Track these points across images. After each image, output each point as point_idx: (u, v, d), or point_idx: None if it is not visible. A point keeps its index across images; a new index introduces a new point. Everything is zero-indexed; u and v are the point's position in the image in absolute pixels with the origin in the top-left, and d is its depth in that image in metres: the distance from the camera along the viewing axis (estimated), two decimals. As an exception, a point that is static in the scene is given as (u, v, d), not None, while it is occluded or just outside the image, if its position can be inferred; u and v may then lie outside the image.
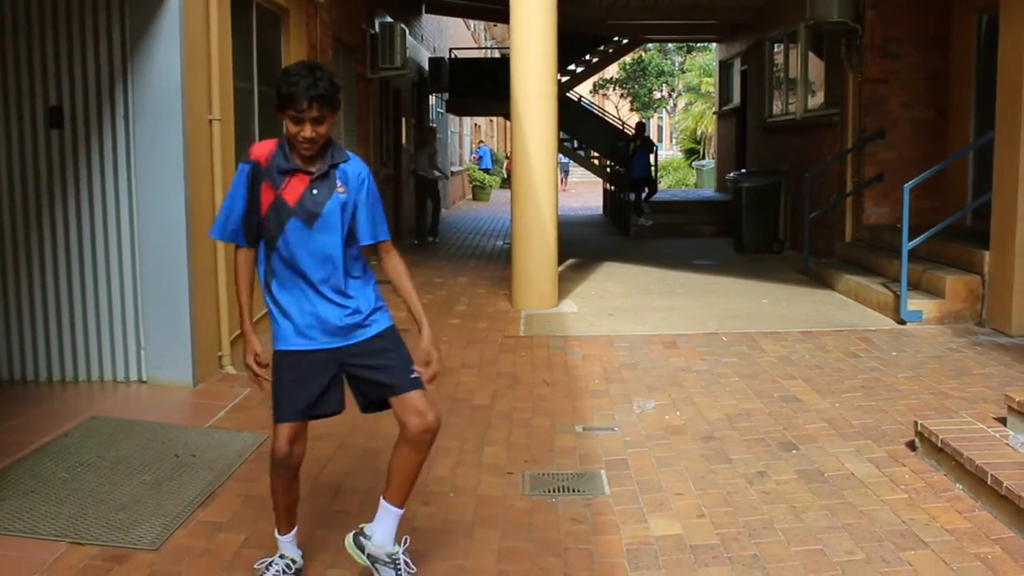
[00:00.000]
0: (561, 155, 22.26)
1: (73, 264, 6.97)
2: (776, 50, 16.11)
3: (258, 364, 3.85)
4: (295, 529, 4.05)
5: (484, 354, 8.16)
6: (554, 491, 5.05)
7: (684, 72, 42.40)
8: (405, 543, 4.00)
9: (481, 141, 40.16)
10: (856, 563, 4.12)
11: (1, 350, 7.03)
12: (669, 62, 42.87)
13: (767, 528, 4.52)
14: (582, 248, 15.74)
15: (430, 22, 23.37)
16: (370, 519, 4.62)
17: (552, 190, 10.27)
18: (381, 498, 3.97)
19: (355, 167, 3.81)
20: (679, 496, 4.95)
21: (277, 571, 3.96)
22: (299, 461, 3.92)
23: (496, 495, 5.00)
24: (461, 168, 33.41)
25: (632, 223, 18.34)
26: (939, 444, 5.12)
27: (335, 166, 3.75)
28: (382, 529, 3.96)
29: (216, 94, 7.26)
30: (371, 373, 3.86)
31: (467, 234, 19.74)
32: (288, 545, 4.02)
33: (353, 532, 4.02)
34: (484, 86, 22.22)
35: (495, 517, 4.72)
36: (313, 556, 4.21)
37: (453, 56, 24.28)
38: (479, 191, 33.93)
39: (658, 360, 7.84)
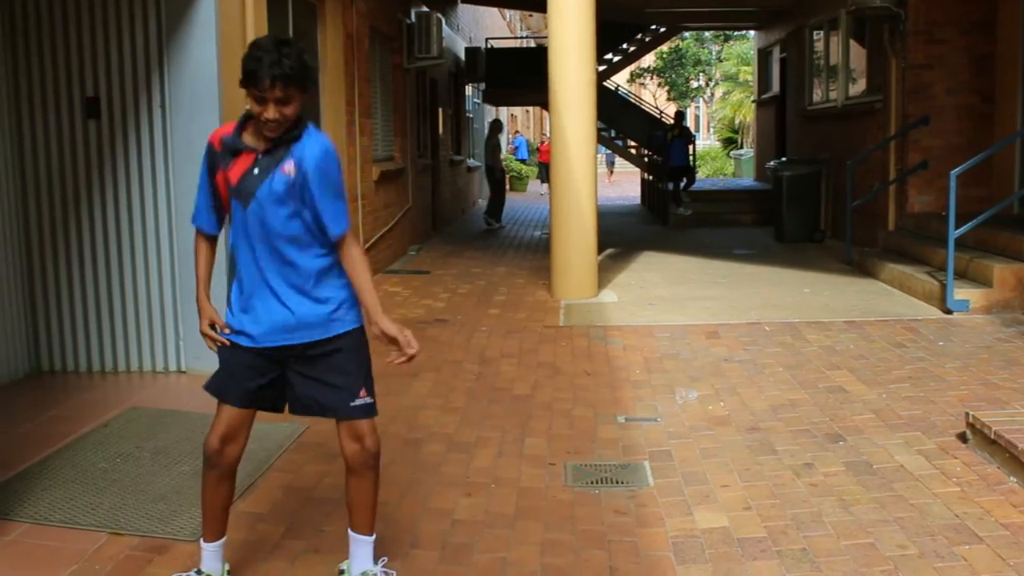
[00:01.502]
0: (603, 147, 22.17)
1: (112, 255, 6.97)
2: (816, 37, 15.90)
3: (213, 329, 3.61)
4: (222, 540, 3.72)
5: (524, 344, 8.08)
6: (597, 482, 4.97)
7: (721, 61, 42.10)
8: (382, 562, 3.79)
9: (517, 131, 40.07)
10: (909, 558, 4.01)
11: (41, 341, 7.05)
12: (706, 51, 42.57)
13: (816, 521, 4.41)
14: (621, 238, 15.65)
15: (466, 12, 23.28)
16: (412, 511, 4.60)
17: (591, 179, 10.17)
18: (349, 530, 3.74)
19: (312, 144, 3.46)
20: (725, 488, 4.86)
21: None
22: (231, 461, 3.63)
23: (538, 487, 4.93)
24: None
25: (671, 212, 18.21)
26: (992, 436, 5.00)
27: (285, 144, 3.43)
28: (356, 560, 3.73)
29: (253, 84, 7.21)
30: (310, 387, 3.59)
31: (505, 224, 19.66)
32: (210, 555, 3.70)
33: None
34: (521, 76, 22.10)
35: (537, 509, 4.64)
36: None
37: (490, 46, 24.19)
38: (516, 181, 33.81)
39: (700, 350, 7.73)
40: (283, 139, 3.44)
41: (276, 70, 3.26)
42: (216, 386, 3.62)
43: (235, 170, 3.46)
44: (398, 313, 9.44)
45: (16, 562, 4.04)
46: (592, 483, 4.97)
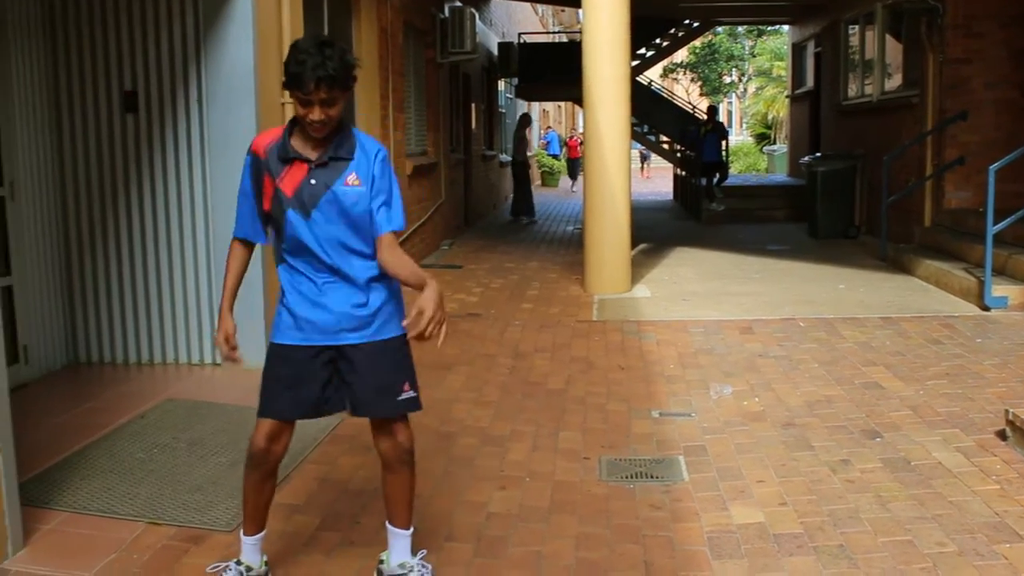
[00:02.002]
0: (636, 143, 22.08)
1: (148, 248, 7.02)
2: (852, 31, 15.78)
3: (227, 343, 3.63)
4: (262, 533, 3.75)
5: (557, 338, 8.08)
6: (632, 477, 4.95)
7: (754, 56, 41.89)
8: (420, 555, 3.79)
9: (549, 127, 40.01)
10: (948, 555, 3.98)
11: (79, 333, 7.11)
12: (739, 46, 42.38)
13: (853, 518, 4.38)
14: (653, 233, 15.61)
15: (499, 7, 23.26)
16: (446, 504, 4.61)
17: (625, 174, 10.14)
18: (387, 523, 3.77)
19: (369, 152, 3.51)
20: (760, 484, 4.83)
21: None
22: (277, 459, 3.65)
23: (573, 480, 4.92)
24: (530, 154, 33.28)
25: (703, 208, 18.13)
26: (1032, 433, 4.95)
27: (342, 158, 3.46)
28: (395, 553, 3.75)
29: (289, 78, 7.24)
30: (352, 383, 3.59)
31: (537, 219, 19.65)
32: (250, 548, 3.73)
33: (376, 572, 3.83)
34: (553, 71, 22.05)
35: (572, 503, 4.64)
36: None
37: (522, 41, 24.16)
38: (547, 176, 33.80)
39: (734, 345, 7.70)
40: (338, 150, 3.46)
41: (320, 72, 3.26)
42: (271, 407, 3.62)
43: (288, 180, 3.46)
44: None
45: (56, 550, 4.08)
46: (626, 477, 4.96)
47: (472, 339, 8.05)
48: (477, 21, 15.26)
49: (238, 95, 6.69)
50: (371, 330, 3.57)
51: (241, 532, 3.76)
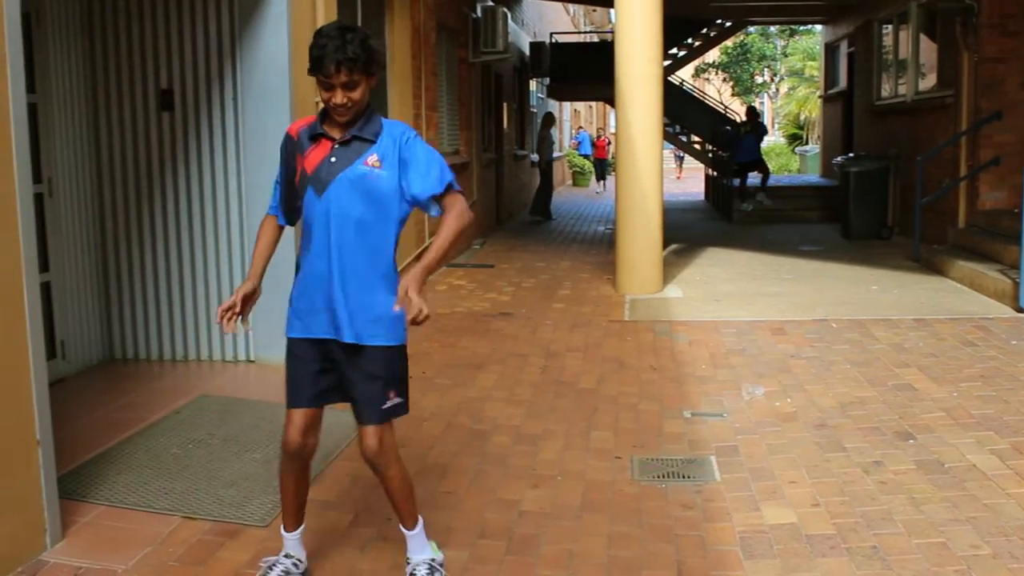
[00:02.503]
0: (668, 143, 22.06)
1: (183, 245, 7.07)
2: (885, 31, 15.68)
3: (224, 306, 3.57)
4: (302, 527, 3.81)
5: (589, 338, 8.07)
6: (663, 476, 4.95)
7: (787, 56, 41.70)
8: (432, 562, 3.78)
9: (580, 127, 39.95)
10: (982, 558, 3.95)
11: (114, 329, 7.17)
12: (771, 46, 42.20)
13: (886, 519, 4.36)
14: (685, 233, 15.56)
15: (531, 7, 23.27)
16: (479, 501, 4.63)
17: (657, 174, 10.12)
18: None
19: (392, 129, 3.52)
20: (792, 484, 4.81)
21: (282, 571, 3.73)
22: (311, 452, 3.69)
23: (604, 479, 4.92)
24: (560, 154, 33.29)
25: (735, 208, 18.07)
26: (1068, 436, 4.91)
27: (365, 140, 3.47)
28: (415, 553, 3.77)
29: (323, 77, 7.27)
30: (347, 383, 3.61)
31: (568, 219, 19.66)
32: (294, 543, 3.79)
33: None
34: (585, 71, 22.04)
35: (604, 502, 4.64)
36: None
37: (554, 41, 24.16)
38: (578, 176, 33.79)
39: (766, 346, 7.67)
40: (362, 132, 3.47)
41: (340, 55, 3.30)
42: (294, 395, 3.64)
43: (312, 157, 3.49)
44: (464, 306, 9.48)
45: (93, 543, 4.13)
46: (658, 477, 4.95)
47: (504, 338, 8.06)
48: (509, 21, 15.27)
49: (272, 93, 6.73)
50: (369, 333, 3.52)
51: (283, 528, 3.79)
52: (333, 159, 3.46)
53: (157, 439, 5.40)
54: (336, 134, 3.49)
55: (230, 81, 6.86)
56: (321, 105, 3.53)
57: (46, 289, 6.39)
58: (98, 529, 4.27)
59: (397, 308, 3.36)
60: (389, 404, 3.59)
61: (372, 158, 3.46)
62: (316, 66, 3.35)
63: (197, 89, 6.91)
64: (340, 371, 3.61)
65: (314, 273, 3.52)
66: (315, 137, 3.50)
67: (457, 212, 3.55)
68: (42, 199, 6.34)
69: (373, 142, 3.48)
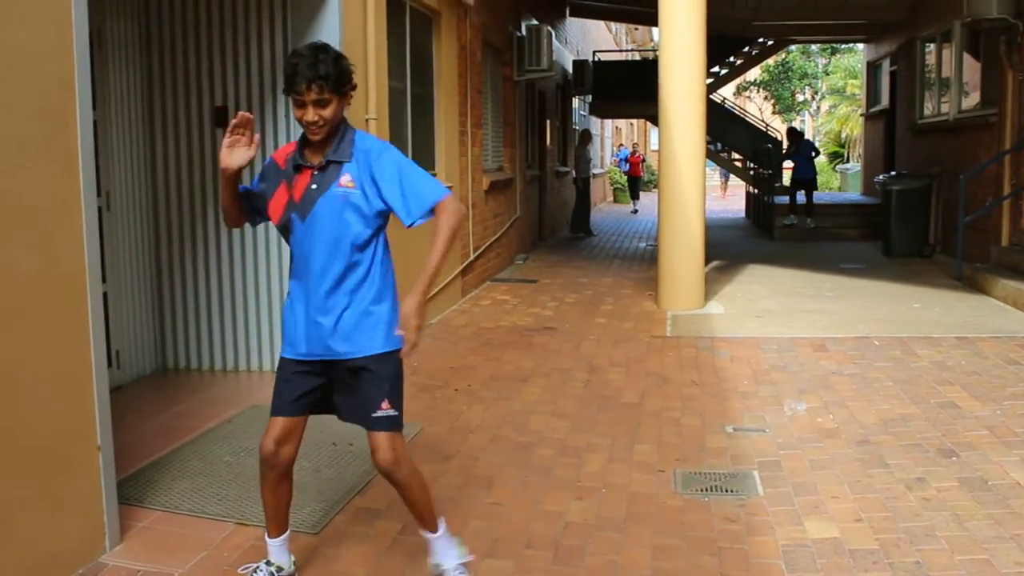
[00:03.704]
0: (710, 161, 22.02)
1: (236, 258, 7.18)
2: (928, 50, 15.60)
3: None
4: (286, 534, 3.85)
5: (631, 353, 8.10)
6: (706, 490, 4.97)
7: (828, 74, 41.49)
8: (459, 570, 3.83)
9: (622, 144, 39.98)
10: (1026, 574, 3.95)
11: (167, 340, 7.30)
12: (813, 64, 41.99)
13: (929, 535, 4.35)
14: (726, 250, 15.54)
15: (574, 25, 23.35)
16: (525, 512, 4.67)
17: (699, 191, 10.14)
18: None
19: (365, 147, 3.55)
20: (835, 499, 4.82)
21: None
22: (287, 462, 3.71)
23: (648, 492, 4.95)
24: (602, 171, 33.31)
25: (776, 225, 18.00)
26: (1112, 454, 4.88)
27: (337, 161, 3.52)
28: (445, 557, 3.82)
29: (372, 94, 7.38)
30: (338, 397, 3.70)
31: (610, 235, 19.68)
32: (276, 550, 3.84)
33: None
34: (627, 88, 22.09)
35: (648, 514, 4.67)
36: (470, 547, 4.20)
37: (596, 59, 24.22)
38: (620, 193, 33.78)
39: (808, 363, 7.66)
40: (334, 154, 3.53)
41: (312, 73, 3.36)
42: (274, 405, 3.71)
43: (297, 187, 3.55)
44: (508, 321, 9.54)
45: (151, 547, 4.21)
46: (701, 490, 4.97)
47: (548, 352, 8.10)
48: (553, 39, 15.35)
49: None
50: (357, 344, 3.57)
51: (266, 535, 3.84)
52: (314, 185, 3.53)
53: (210, 447, 5.50)
54: (315, 159, 3.54)
55: (283, 99, 6.96)
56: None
57: (103, 299, 6.50)
58: (155, 533, 4.36)
59: (398, 334, 3.49)
60: (391, 411, 3.63)
61: (345, 178, 3.52)
62: (288, 84, 3.42)
63: (251, 106, 7.02)
64: (333, 386, 3.68)
65: (303, 295, 3.58)
66: (298, 167, 3.56)
67: (448, 213, 3.53)
68: (100, 213, 6.47)
69: (345, 162, 3.54)
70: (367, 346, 3.58)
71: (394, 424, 3.65)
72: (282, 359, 3.70)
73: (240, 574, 3.91)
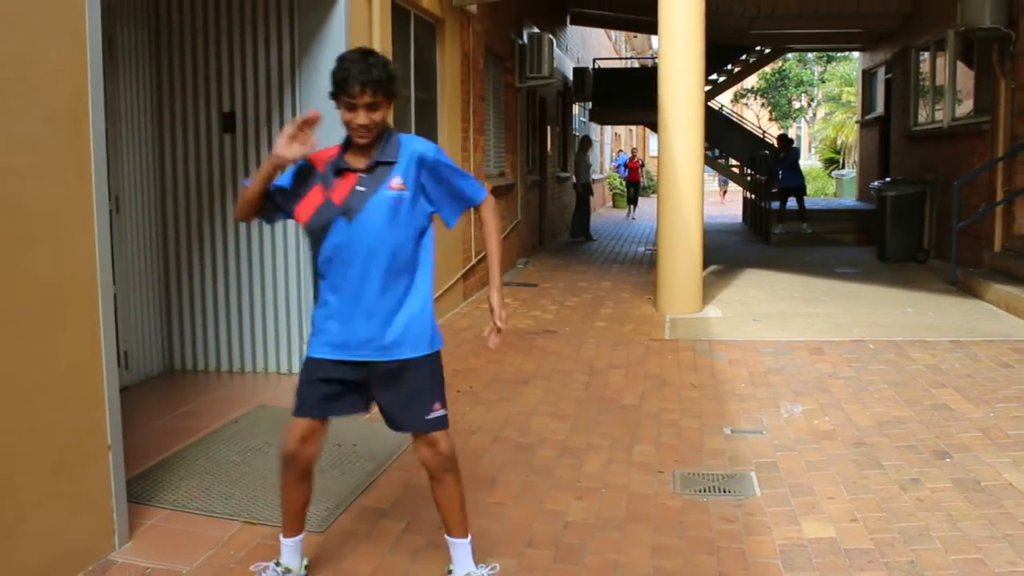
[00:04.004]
0: (708, 167, 22.06)
1: (242, 261, 7.20)
2: (922, 58, 15.63)
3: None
4: (301, 535, 3.82)
5: (631, 356, 8.11)
6: (705, 491, 4.98)
7: (824, 82, 41.54)
8: (491, 569, 3.83)
9: (621, 150, 39.99)
10: (1020, 575, 3.95)
11: (175, 341, 7.31)
12: (809, 72, 42.07)
13: (923, 535, 4.36)
14: (724, 255, 15.56)
15: (574, 33, 23.38)
16: (526, 512, 4.68)
17: (697, 196, 10.15)
18: (445, 536, 3.81)
19: (413, 148, 3.57)
20: (831, 500, 4.82)
21: None
22: (308, 461, 3.70)
23: (647, 492, 4.95)
24: (602, 176, 33.33)
25: (772, 231, 18.02)
26: (1103, 456, 4.89)
27: (386, 163, 3.52)
28: (459, 565, 3.77)
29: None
30: (383, 400, 3.66)
31: (609, 240, 19.70)
32: (289, 551, 3.81)
33: None
34: (627, 95, 22.14)
35: (647, 514, 4.67)
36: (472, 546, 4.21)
37: (596, 66, 24.25)
38: (619, 198, 33.81)
39: (804, 366, 7.67)
40: (382, 155, 3.52)
41: (364, 76, 3.37)
42: (301, 405, 3.67)
43: (339, 190, 3.51)
44: (509, 324, 9.55)
45: (159, 544, 4.22)
46: (700, 491, 4.98)
47: (548, 355, 8.11)
48: (554, 47, 15.37)
49: (330, 117, 6.79)
50: (408, 346, 3.58)
51: (281, 535, 3.82)
52: (361, 187, 3.50)
53: (217, 447, 5.51)
54: (360, 164, 3.52)
55: (290, 105, 6.98)
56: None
57: (112, 301, 6.52)
58: (163, 531, 4.37)
59: (490, 336, 3.70)
60: (443, 411, 3.66)
61: (396, 180, 3.51)
62: (341, 87, 3.41)
63: (258, 112, 7.04)
64: (370, 390, 3.65)
65: (346, 296, 3.54)
66: (339, 171, 3.53)
67: (490, 208, 3.75)
68: (110, 215, 6.47)
69: (394, 163, 3.53)
70: (417, 347, 3.59)
71: (446, 422, 3.69)
72: (310, 359, 3.63)
73: (251, 571, 3.88)
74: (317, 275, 3.63)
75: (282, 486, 3.77)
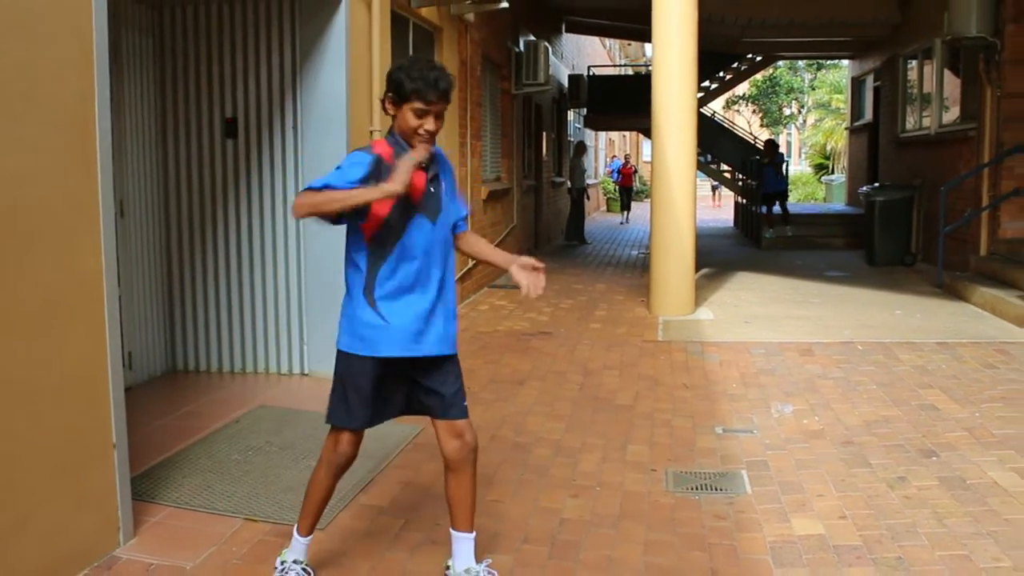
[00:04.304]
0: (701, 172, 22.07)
1: (244, 265, 7.21)
2: (910, 66, 15.66)
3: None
4: (313, 535, 3.86)
5: (624, 357, 8.13)
6: (697, 489, 5.00)
7: (814, 89, 41.60)
8: (486, 562, 3.81)
9: (615, 155, 40.04)
10: (1003, 570, 3.97)
11: (177, 343, 7.32)
12: (799, 79, 42.10)
13: (910, 532, 4.38)
14: (716, 258, 15.59)
15: (569, 41, 23.41)
16: (522, 509, 4.69)
17: (690, 201, 10.18)
18: (451, 529, 3.79)
19: (444, 160, 3.72)
20: (820, 497, 4.85)
21: None
22: (352, 460, 3.79)
23: (641, 491, 4.98)
24: (596, 181, 33.35)
25: (763, 235, 18.06)
26: (1086, 455, 4.91)
27: (440, 173, 3.65)
28: (460, 558, 3.77)
29: (377, 106, 7.40)
30: (434, 387, 3.67)
31: (603, 243, 19.71)
32: (304, 548, 3.83)
33: None
34: (621, 102, 22.14)
35: (640, 512, 4.69)
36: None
37: (591, 73, 24.27)
38: (612, 203, 33.84)
39: (794, 367, 7.69)
40: (437, 166, 3.64)
41: (442, 84, 3.45)
42: (358, 416, 3.67)
43: (413, 189, 3.49)
44: (505, 325, 9.57)
45: (162, 541, 4.23)
46: (692, 489, 5.00)
47: (543, 356, 8.13)
48: (550, 54, 15.39)
49: (331, 122, 6.86)
50: (451, 340, 3.72)
51: (297, 533, 3.82)
52: (432, 190, 3.59)
53: (219, 446, 5.52)
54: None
55: (291, 111, 7.00)
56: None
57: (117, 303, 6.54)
58: (166, 528, 4.38)
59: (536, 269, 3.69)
60: (465, 401, 3.76)
61: (445, 187, 3.67)
62: (416, 93, 3.42)
63: (260, 118, 7.06)
64: (412, 385, 3.70)
65: (418, 296, 3.57)
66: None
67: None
68: (114, 219, 6.48)
69: (443, 173, 3.68)
70: (455, 342, 3.74)
71: (467, 411, 3.78)
72: (359, 361, 3.58)
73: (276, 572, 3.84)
74: (374, 277, 3.56)
75: (318, 485, 3.77)
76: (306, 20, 6.87)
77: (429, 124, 3.47)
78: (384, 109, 3.56)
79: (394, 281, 3.56)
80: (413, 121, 3.47)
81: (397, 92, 3.47)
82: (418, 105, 3.44)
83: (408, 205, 3.51)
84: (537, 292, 3.64)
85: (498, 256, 3.83)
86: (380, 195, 3.34)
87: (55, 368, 3.76)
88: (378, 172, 3.47)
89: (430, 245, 3.58)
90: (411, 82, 3.44)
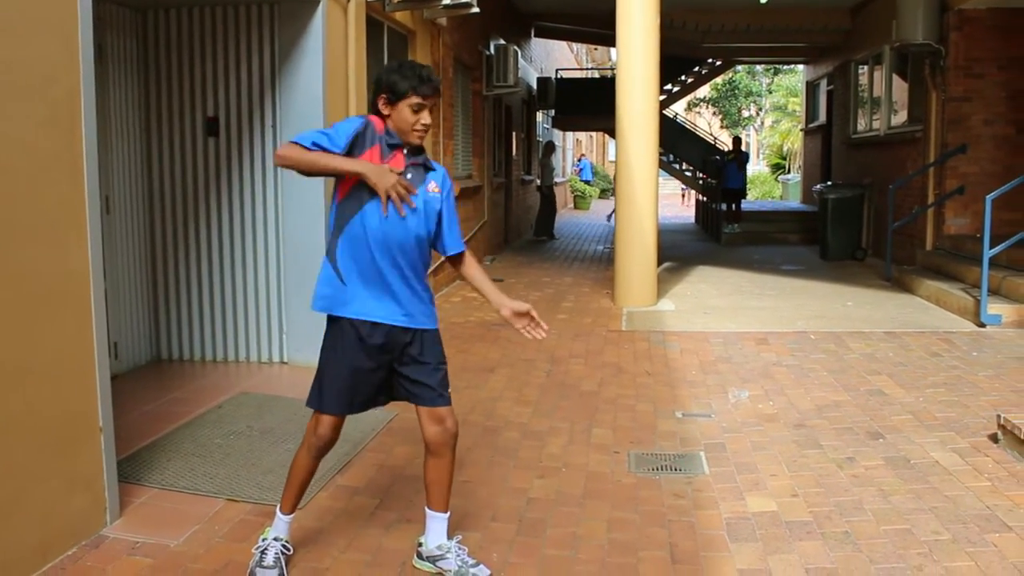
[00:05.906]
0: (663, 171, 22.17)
1: (225, 257, 7.19)
2: (861, 71, 15.80)
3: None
4: (295, 513, 3.85)
5: (590, 346, 8.18)
6: (657, 469, 5.05)
7: (771, 92, 41.84)
8: (456, 539, 3.84)
9: (583, 155, 40.09)
10: (943, 543, 4.05)
11: (162, 332, 7.29)
12: (757, 83, 42.34)
13: (857, 508, 4.46)
14: (677, 253, 15.67)
15: (538, 45, 23.41)
16: (491, 489, 4.72)
17: (652, 199, 10.23)
18: (426, 508, 3.81)
19: (443, 173, 3.68)
20: (773, 477, 4.91)
21: (276, 555, 3.73)
22: (334, 442, 3.77)
23: (604, 471, 5.02)
24: (563, 179, 33.40)
25: (723, 230, 18.18)
26: (1022, 436, 5.00)
27: (428, 167, 3.62)
28: (433, 535, 3.79)
29: (352, 105, 7.42)
30: (419, 377, 3.64)
31: (570, 239, 19.76)
32: (286, 526, 3.82)
33: (415, 553, 3.89)
34: (587, 104, 22.22)
35: (604, 491, 4.74)
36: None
37: (559, 76, 24.30)
38: (580, 200, 33.92)
39: (751, 355, 7.77)
40: (427, 162, 3.62)
41: (434, 80, 3.51)
42: (340, 401, 3.66)
43: (393, 164, 3.50)
44: (476, 316, 9.60)
45: (148, 521, 4.24)
46: (653, 470, 5.05)
47: (512, 345, 8.16)
48: (519, 58, 15.41)
49: (308, 121, 6.83)
50: (419, 318, 3.62)
51: (280, 511, 3.81)
52: (409, 175, 3.54)
53: (202, 430, 5.52)
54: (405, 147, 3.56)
55: (270, 110, 6.99)
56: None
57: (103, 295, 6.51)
58: (151, 509, 4.38)
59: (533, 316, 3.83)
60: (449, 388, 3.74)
61: (432, 185, 3.61)
62: (414, 89, 3.45)
63: (240, 117, 7.04)
64: (396, 373, 3.67)
65: (374, 271, 3.53)
66: (392, 146, 3.53)
67: (475, 259, 3.90)
68: (100, 215, 6.46)
69: (432, 170, 3.64)
70: (429, 320, 3.66)
71: (450, 399, 3.76)
72: (347, 323, 3.58)
73: (253, 553, 3.80)
74: (336, 230, 3.55)
75: (300, 466, 3.76)
76: (285, 24, 6.86)
77: (426, 118, 3.50)
78: (378, 111, 3.54)
79: (356, 253, 3.53)
80: (411, 117, 3.49)
81: (392, 91, 3.48)
82: (415, 100, 3.46)
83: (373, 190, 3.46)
84: (540, 336, 3.82)
85: (489, 291, 3.82)
86: (351, 168, 3.39)
87: (44, 357, 3.76)
88: (365, 140, 3.50)
89: (393, 230, 3.48)
90: (406, 80, 3.47)
